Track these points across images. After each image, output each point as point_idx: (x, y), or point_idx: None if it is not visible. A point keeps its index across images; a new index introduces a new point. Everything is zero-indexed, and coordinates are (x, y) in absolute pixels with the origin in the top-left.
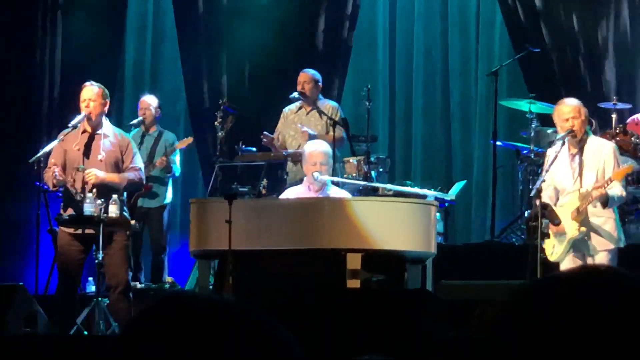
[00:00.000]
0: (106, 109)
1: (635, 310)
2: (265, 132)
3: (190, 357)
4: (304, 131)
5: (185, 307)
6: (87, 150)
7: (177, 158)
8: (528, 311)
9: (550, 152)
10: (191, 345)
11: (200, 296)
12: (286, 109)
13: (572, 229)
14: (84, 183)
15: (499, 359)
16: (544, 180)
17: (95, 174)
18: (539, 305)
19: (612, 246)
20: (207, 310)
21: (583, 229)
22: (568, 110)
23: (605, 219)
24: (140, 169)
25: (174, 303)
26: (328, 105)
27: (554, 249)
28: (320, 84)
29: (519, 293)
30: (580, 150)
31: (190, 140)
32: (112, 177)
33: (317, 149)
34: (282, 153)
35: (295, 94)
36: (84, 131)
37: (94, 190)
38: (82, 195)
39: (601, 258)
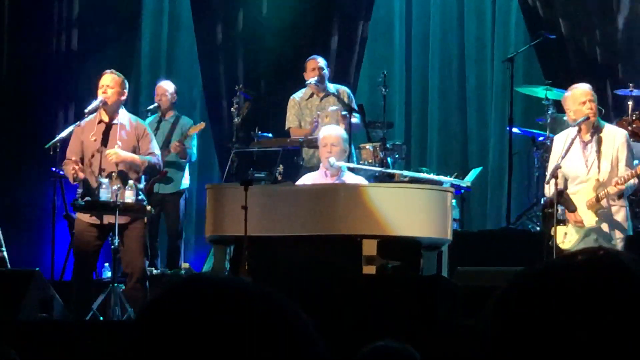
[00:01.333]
0: (123, 98)
1: (633, 294)
2: (316, 119)
3: (208, 339)
4: (344, 115)
5: (203, 288)
6: (104, 140)
7: (194, 143)
8: (523, 298)
9: (560, 138)
10: (208, 327)
11: (218, 278)
12: (296, 97)
13: (589, 218)
14: (101, 168)
15: (493, 347)
16: (559, 167)
17: (117, 152)
18: (535, 291)
19: (622, 234)
20: (225, 291)
21: (601, 217)
22: (583, 92)
23: (618, 208)
24: (157, 154)
25: (192, 285)
26: (341, 90)
27: (566, 237)
28: (328, 68)
29: (514, 280)
30: (593, 138)
31: (202, 125)
32: (134, 157)
33: (330, 133)
34: (299, 139)
35: (312, 80)
36: (100, 121)
37: (113, 174)
38: (100, 182)
39: (612, 246)
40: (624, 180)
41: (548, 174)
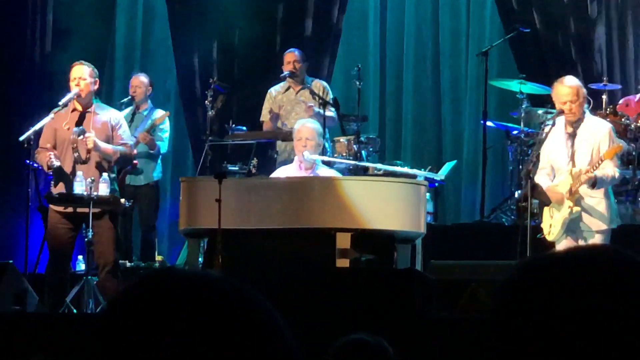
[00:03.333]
0: (96, 87)
1: (635, 288)
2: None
3: (176, 333)
4: (310, 106)
5: (171, 282)
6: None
7: (165, 135)
8: (526, 290)
9: (547, 130)
10: (177, 321)
11: (188, 271)
12: (272, 90)
13: (565, 209)
14: (75, 160)
15: (496, 339)
16: (532, 161)
17: (94, 139)
18: (536, 284)
19: (605, 227)
20: (193, 285)
21: (577, 208)
22: (565, 93)
23: (598, 200)
24: (130, 145)
25: (160, 278)
26: (318, 84)
27: (551, 228)
28: (306, 62)
29: (516, 271)
30: (576, 130)
31: (167, 114)
32: (106, 147)
33: (305, 125)
34: (272, 132)
35: (287, 73)
36: (74, 110)
37: (89, 155)
38: (80, 159)
39: (594, 239)
40: (594, 167)
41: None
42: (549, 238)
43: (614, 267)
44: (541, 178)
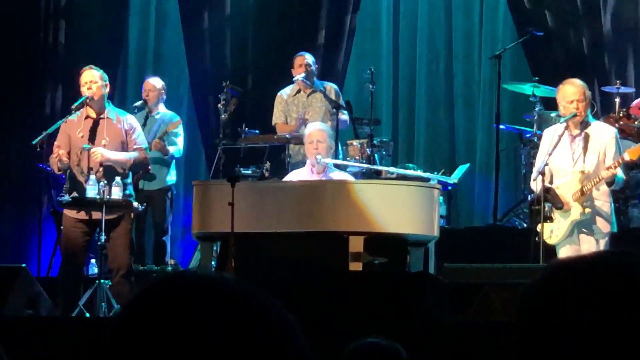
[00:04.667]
0: (107, 91)
1: None
2: (300, 114)
3: (190, 335)
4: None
5: (185, 285)
6: (91, 136)
7: (179, 140)
8: (553, 294)
9: (549, 133)
10: (191, 324)
11: (202, 274)
12: (283, 93)
13: (575, 210)
14: (89, 165)
15: (522, 343)
16: (546, 164)
17: (102, 152)
18: (564, 289)
19: (609, 229)
20: (207, 287)
21: (587, 210)
22: (573, 92)
23: (602, 202)
24: (145, 149)
25: (174, 281)
26: (329, 87)
27: (552, 232)
28: (316, 65)
29: (543, 275)
30: (582, 132)
31: (179, 122)
32: (118, 156)
33: (315, 128)
34: (285, 136)
35: (300, 76)
36: (87, 117)
37: (101, 169)
38: (86, 175)
39: (598, 241)
40: (616, 165)
41: (535, 170)
42: (550, 242)
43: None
44: (537, 182)
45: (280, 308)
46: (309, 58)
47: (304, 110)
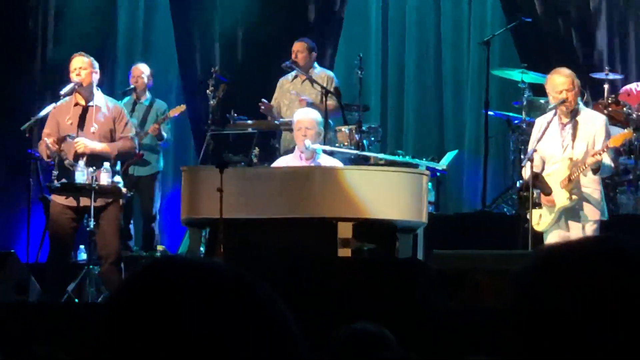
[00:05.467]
0: (97, 78)
1: None
2: (263, 100)
3: (179, 320)
4: (302, 99)
5: (174, 270)
6: (80, 123)
7: (169, 127)
8: (546, 279)
9: (540, 121)
10: (181, 308)
11: (191, 259)
12: (283, 78)
13: (562, 197)
14: (76, 153)
15: (515, 328)
16: (535, 150)
17: (85, 143)
18: (556, 274)
19: (598, 217)
20: (196, 272)
21: (574, 197)
22: (562, 82)
23: (592, 190)
24: (132, 137)
25: (164, 266)
26: (323, 74)
27: (540, 219)
28: (314, 52)
29: (535, 260)
30: (572, 120)
31: (183, 108)
32: (103, 147)
33: (304, 116)
34: (274, 122)
35: (287, 63)
36: (76, 104)
37: (85, 157)
38: (74, 164)
39: (590, 228)
40: (601, 152)
41: (524, 156)
42: (538, 228)
43: (631, 259)
44: (528, 169)
45: (270, 293)
46: (299, 45)
47: (286, 94)
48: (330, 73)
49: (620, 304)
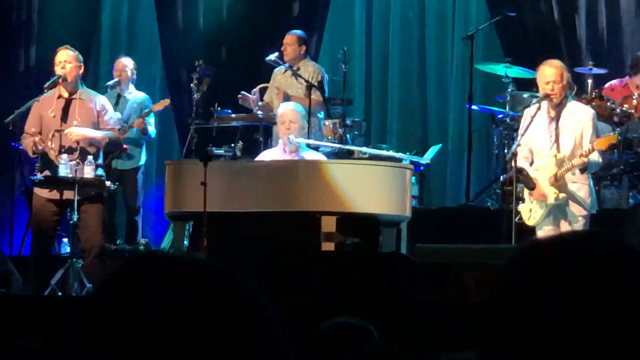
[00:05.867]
0: (81, 72)
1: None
2: (243, 92)
3: (162, 315)
4: (279, 92)
5: (157, 265)
6: (63, 116)
7: (152, 120)
8: (528, 274)
9: (527, 113)
10: (164, 304)
11: (174, 254)
12: (276, 70)
13: (550, 195)
14: (61, 146)
15: (497, 322)
16: (519, 145)
17: (77, 131)
18: (538, 268)
19: (586, 212)
20: (181, 268)
21: (562, 195)
22: (550, 73)
23: (579, 185)
24: (118, 129)
25: (147, 262)
26: (310, 67)
27: (531, 213)
28: (304, 45)
29: (518, 255)
30: (559, 114)
31: (167, 102)
32: (95, 133)
33: (288, 108)
34: (258, 115)
35: (272, 56)
36: (60, 96)
37: (78, 148)
38: (58, 155)
39: (576, 223)
40: (588, 152)
41: (508, 150)
42: (529, 223)
43: (615, 254)
44: (519, 163)
45: (254, 288)
46: (288, 38)
47: (280, 86)
48: (318, 66)
49: (604, 299)
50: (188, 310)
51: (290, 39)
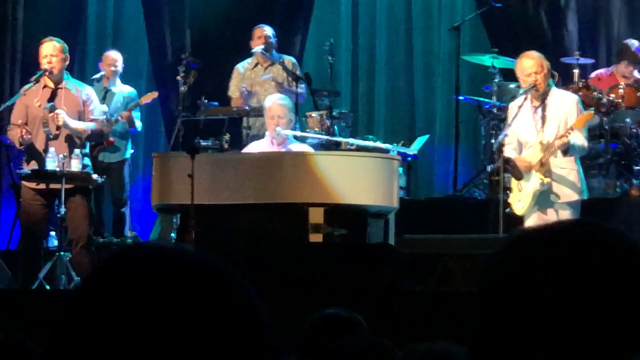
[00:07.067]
0: (67, 63)
1: (625, 263)
2: (243, 86)
3: (151, 307)
4: (280, 82)
5: (146, 257)
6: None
7: (138, 114)
8: (515, 264)
9: (513, 106)
10: (152, 296)
11: (162, 246)
12: (239, 67)
13: (535, 181)
14: (46, 136)
15: (484, 311)
16: (506, 135)
17: (63, 117)
18: (525, 258)
19: (576, 197)
20: (169, 259)
21: (547, 180)
22: (530, 64)
23: (568, 170)
24: (102, 120)
25: (135, 254)
26: (288, 60)
27: (519, 202)
28: (275, 38)
29: (506, 245)
30: (543, 103)
31: (154, 94)
32: (77, 125)
33: (276, 102)
34: (244, 108)
35: (259, 49)
36: (45, 86)
37: (59, 132)
38: (46, 146)
39: (565, 209)
40: (567, 134)
41: (495, 140)
42: (518, 212)
43: (603, 242)
44: (508, 153)
45: (242, 280)
46: (267, 30)
47: (251, 82)
48: (293, 59)
49: (592, 288)
50: (175, 302)
51: (265, 32)
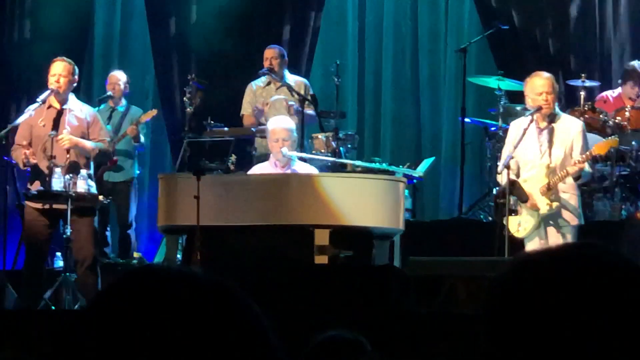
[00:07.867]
0: (74, 85)
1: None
2: (257, 105)
3: (158, 330)
4: (291, 105)
5: (154, 279)
6: (54, 126)
7: (144, 132)
8: (519, 286)
9: (515, 126)
10: (160, 318)
11: (170, 268)
12: (253, 84)
13: (543, 205)
14: (52, 156)
15: (489, 334)
16: (512, 157)
17: (69, 138)
18: (530, 281)
19: (577, 222)
20: (176, 282)
21: (555, 204)
22: (542, 83)
23: (570, 195)
24: (107, 140)
25: (143, 275)
26: (299, 81)
27: (520, 225)
28: (285, 58)
29: (510, 268)
30: (550, 125)
31: (154, 112)
32: (85, 144)
33: (280, 126)
34: (251, 129)
35: (265, 70)
36: (50, 106)
37: (68, 156)
38: (52, 164)
39: (567, 233)
40: (583, 159)
41: (500, 163)
42: (519, 235)
43: (607, 265)
44: (503, 174)
45: (248, 301)
46: (274, 52)
47: (263, 101)
48: (304, 80)
49: (597, 311)
50: (184, 324)
51: (275, 53)
